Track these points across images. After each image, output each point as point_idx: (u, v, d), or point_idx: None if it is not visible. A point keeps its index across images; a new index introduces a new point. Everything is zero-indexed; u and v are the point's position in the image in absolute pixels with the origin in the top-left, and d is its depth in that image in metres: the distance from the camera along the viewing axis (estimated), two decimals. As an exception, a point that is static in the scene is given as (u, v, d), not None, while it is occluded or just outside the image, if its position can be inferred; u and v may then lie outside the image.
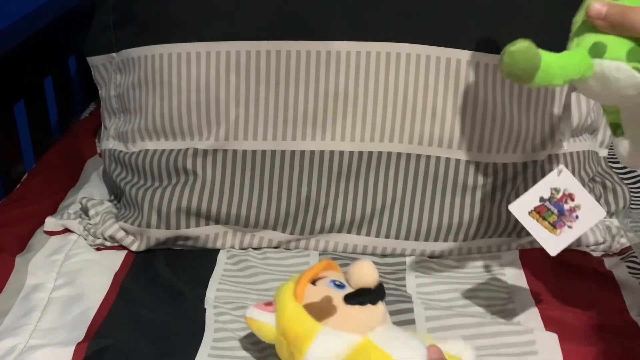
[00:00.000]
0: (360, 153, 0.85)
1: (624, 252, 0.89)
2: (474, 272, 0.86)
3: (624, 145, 0.66)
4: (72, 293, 0.80)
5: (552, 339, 0.73)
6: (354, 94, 0.85)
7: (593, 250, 0.90)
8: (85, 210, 0.93)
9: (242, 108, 0.86)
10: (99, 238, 0.89)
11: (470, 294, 0.81)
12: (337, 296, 0.67)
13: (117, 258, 0.88)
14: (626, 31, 0.60)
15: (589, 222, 0.71)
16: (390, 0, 0.85)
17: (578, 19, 0.65)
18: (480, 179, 0.86)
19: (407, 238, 0.88)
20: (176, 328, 0.75)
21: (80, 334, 0.74)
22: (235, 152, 0.87)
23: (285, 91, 0.85)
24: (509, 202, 0.87)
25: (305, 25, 0.85)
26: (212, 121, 0.86)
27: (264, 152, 0.86)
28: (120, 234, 0.89)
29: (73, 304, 0.78)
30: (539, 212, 0.71)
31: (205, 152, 0.87)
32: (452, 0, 0.86)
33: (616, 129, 0.67)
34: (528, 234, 0.73)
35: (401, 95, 0.84)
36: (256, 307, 0.69)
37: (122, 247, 0.89)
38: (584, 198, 0.71)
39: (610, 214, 0.94)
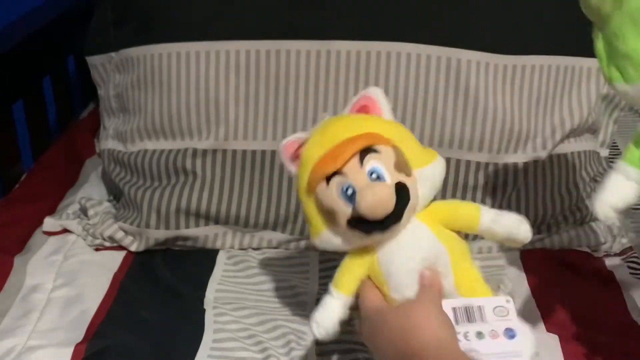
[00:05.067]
0: (361, 153, 0.85)
1: (625, 253, 0.89)
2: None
3: None
4: (71, 293, 0.80)
5: (553, 340, 0.73)
6: (354, 94, 0.84)
7: (594, 251, 0.89)
8: (84, 211, 0.93)
9: (242, 108, 0.86)
10: (98, 238, 0.89)
11: (471, 295, 0.81)
12: (342, 213, 0.60)
13: (116, 258, 0.87)
14: None
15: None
16: (391, 0, 0.85)
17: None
18: (481, 179, 0.86)
19: (407, 238, 0.87)
20: (175, 329, 0.75)
21: (79, 334, 0.73)
22: (234, 152, 0.86)
23: (285, 91, 0.85)
24: (509, 201, 0.87)
25: (305, 25, 0.85)
26: (212, 121, 0.86)
27: (263, 152, 0.86)
28: (120, 234, 0.88)
29: (72, 305, 0.78)
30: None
31: (204, 152, 0.86)
32: (452, 0, 0.85)
33: None
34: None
35: (401, 95, 0.84)
36: (286, 149, 0.66)
37: (121, 248, 0.89)
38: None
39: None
